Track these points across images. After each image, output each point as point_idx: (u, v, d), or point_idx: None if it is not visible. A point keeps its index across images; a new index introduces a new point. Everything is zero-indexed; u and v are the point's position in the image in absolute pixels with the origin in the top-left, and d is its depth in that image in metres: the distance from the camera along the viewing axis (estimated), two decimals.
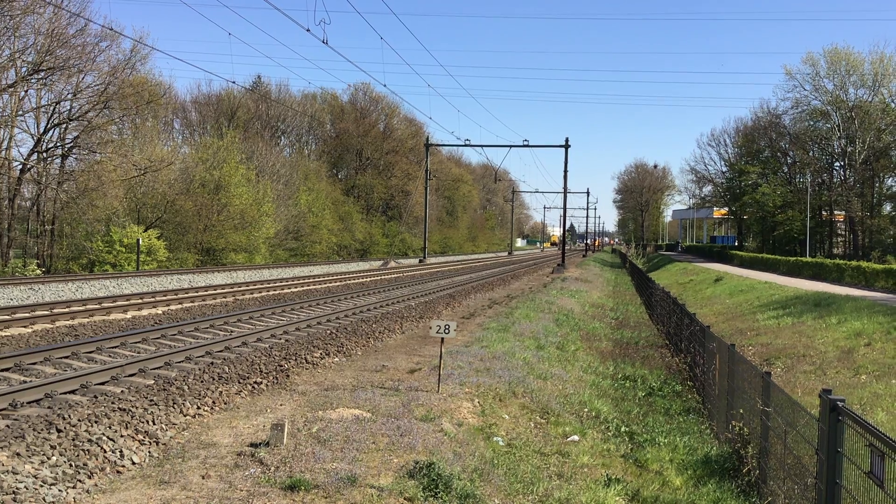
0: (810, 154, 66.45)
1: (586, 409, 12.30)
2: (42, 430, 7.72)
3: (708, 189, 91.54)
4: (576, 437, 10.49)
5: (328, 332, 17.27)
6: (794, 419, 7.18)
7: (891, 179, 65.63)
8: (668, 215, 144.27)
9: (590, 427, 11.32)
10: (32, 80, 38.10)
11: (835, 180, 66.76)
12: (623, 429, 11.46)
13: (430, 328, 11.43)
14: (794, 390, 14.40)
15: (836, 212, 67.21)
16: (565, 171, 62.51)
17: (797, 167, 70.25)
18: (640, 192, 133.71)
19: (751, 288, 33.50)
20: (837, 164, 67.63)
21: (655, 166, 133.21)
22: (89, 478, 6.88)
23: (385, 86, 77.58)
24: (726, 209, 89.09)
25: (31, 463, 6.85)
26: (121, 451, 7.57)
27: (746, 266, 55.03)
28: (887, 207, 65.92)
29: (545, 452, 9.58)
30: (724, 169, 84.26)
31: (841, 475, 5.84)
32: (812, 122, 67.56)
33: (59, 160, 40.97)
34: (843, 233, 70.03)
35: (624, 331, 23.92)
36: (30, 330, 16.52)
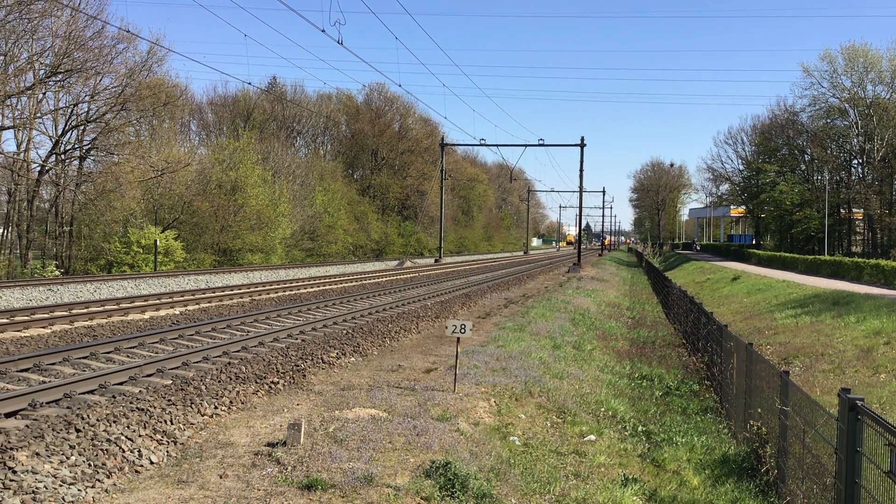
0: (828, 152, 65.87)
1: (603, 409, 12.26)
2: (61, 429, 7.78)
3: (725, 187, 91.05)
4: (592, 437, 10.46)
5: (344, 331, 17.31)
6: (812, 418, 7.13)
7: None
8: (684, 214, 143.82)
9: (606, 427, 11.28)
10: (50, 83, 38.48)
11: (853, 178, 66.17)
12: (640, 428, 11.41)
13: (446, 328, 11.43)
14: (813, 389, 14.29)
15: (854, 210, 66.57)
16: (581, 170, 62.79)
17: (815, 165, 69.67)
18: (657, 190, 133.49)
19: (768, 287, 33.26)
20: (855, 161, 67.07)
21: (672, 165, 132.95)
22: (108, 477, 6.93)
23: (400, 86, 78.26)
24: (743, 208, 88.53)
25: (51, 462, 6.91)
26: (139, 451, 7.62)
27: (764, 265, 54.65)
28: None
29: (562, 452, 9.56)
30: (741, 167, 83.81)
31: (860, 474, 5.80)
32: (830, 120, 67.02)
33: (76, 162, 41.38)
34: (862, 231, 69.40)
35: (640, 330, 23.81)
36: (49, 330, 16.66)
